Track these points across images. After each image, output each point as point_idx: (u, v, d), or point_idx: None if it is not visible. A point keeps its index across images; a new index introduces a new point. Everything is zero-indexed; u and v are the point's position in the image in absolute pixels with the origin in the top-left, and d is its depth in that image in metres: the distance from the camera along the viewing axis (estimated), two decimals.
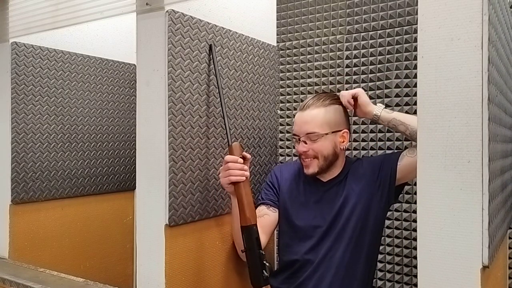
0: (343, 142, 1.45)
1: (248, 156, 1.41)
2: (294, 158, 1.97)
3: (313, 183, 1.50)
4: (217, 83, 1.41)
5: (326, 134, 1.41)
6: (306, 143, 1.43)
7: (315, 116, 1.42)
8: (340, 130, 1.44)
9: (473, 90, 0.81)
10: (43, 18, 1.66)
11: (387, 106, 1.74)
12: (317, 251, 1.44)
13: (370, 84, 1.79)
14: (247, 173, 1.37)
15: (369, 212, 1.43)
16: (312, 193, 1.49)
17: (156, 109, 1.30)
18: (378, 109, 1.41)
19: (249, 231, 1.36)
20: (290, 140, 1.98)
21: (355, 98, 1.42)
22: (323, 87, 1.90)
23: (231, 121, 1.52)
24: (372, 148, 1.82)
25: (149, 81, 1.32)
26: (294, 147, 1.98)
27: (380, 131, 1.83)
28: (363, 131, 1.86)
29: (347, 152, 1.56)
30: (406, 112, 1.71)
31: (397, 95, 1.72)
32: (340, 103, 1.45)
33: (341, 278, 1.42)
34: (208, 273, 1.43)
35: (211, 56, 1.41)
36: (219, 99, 1.42)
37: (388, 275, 1.77)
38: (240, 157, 1.37)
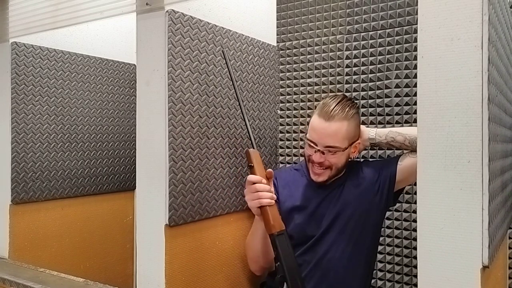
0: (354, 152, 1.43)
1: (271, 174, 1.39)
2: (294, 158, 1.97)
3: (314, 186, 1.48)
4: (234, 87, 1.41)
5: (346, 148, 1.39)
6: (323, 153, 1.38)
7: (338, 130, 1.36)
8: (355, 141, 1.42)
9: (473, 90, 0.81)
10: (43, 18, 1.66)
11: (387, 106, 1.74)
12: (314, 252, 1.44)
13: (370, 84, 1.79)
14: (274, 195, 1.35)
15: (369, 214, 1.43)
16: (313, 197, 1.48)
17: (156, 109, 1.30)
18: (372, 129, 1.44)
19: (282, 238, 1.33)
20: (290, 140, 1.98)
21: None
22: (323, 87, 1.90)
23: (231, 121, 1.52)
24: (372, 149, 1.82)
25: (149, 81, 1.32)
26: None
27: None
28: None
29: None
30: (406, 113, 1.71)
31: (397, 95, 1.72)
32: (357, 111, 1.43)
33: (341, 279, 1.42)
34: (208, 273, 1.43)
35: (224, 61, 1.41)
36: (237, 101, 1.43)
37: (388, 275, 1.77)
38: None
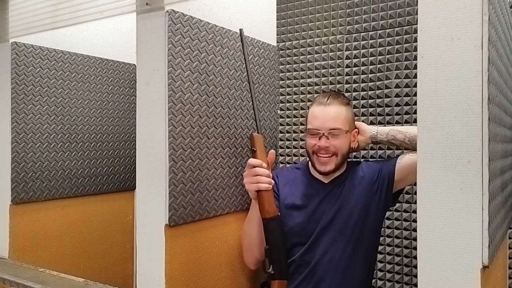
0: (354, 141, 1.47)
1: (272, 155, 1.44)
2: (294, 158, 1.97)
3: (315, 185, 1.49)
4: (246, 67, 1.44)
5: (347, 132, 1.43)
6: (328, 138, 1.41)
7: (339, 113, 1.42)
8: (353, 129, 1.47)
9: (473, 90, 0.81)
10: (43, 18, 1.66)
11: (387, 106, 1.74)
12: (313, 251, 1.44)
13: (370, 84, 1.79)
14: (272, 181, 1.40)
15: (368, 214, 1.43)
16: (313, 195, 1.48)
17: (156, 109, 1.30)
18: (373, 126, 1.49)
19: (274, 223, 1.38)
20: (290, 140, 1.98)
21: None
22: (323, 87, 1.90)
23: (231, 121, 1.52)
24: (372, 148, 1.82)
25: (149, 81, 1.32)
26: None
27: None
28: None
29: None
30: (406, 113, 1.71)
31: (397, 95, 1.72)
32: (350, 103, 1.50)
33: (341, 280, 1.42)
34: (208, 273, 1.43)
35: (242, 41, 1.43)
36: (246, 82, 1.45)
37: (388, 275, 1.77)
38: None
